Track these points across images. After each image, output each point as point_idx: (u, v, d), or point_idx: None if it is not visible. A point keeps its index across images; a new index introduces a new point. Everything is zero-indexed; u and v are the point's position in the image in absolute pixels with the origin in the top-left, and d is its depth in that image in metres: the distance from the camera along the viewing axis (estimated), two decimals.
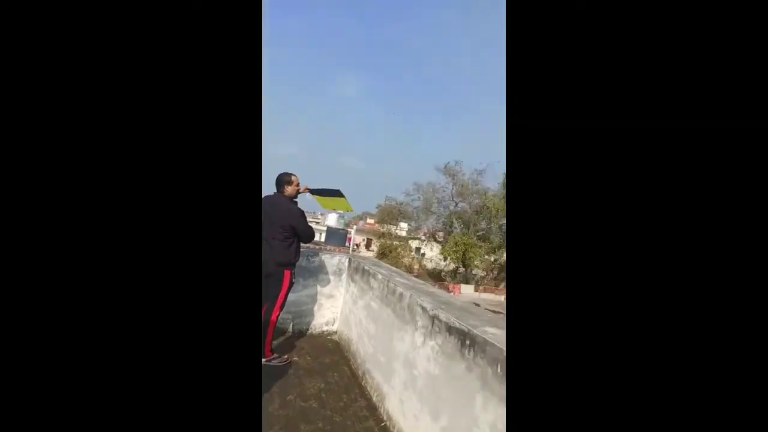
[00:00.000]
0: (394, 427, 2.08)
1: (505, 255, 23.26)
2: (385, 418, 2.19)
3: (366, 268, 3.21)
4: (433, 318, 1.96)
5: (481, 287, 22.24)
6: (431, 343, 1.93)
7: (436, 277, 22.97)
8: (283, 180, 2.62)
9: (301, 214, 2.64)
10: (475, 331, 1.63)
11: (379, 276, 2.77)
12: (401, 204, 24.64)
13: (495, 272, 23.87)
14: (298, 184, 2.63)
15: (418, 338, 2.06)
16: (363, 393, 2.47)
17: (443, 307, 2.00)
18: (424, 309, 2.06)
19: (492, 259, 23.43)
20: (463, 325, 1.72)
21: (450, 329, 1.80)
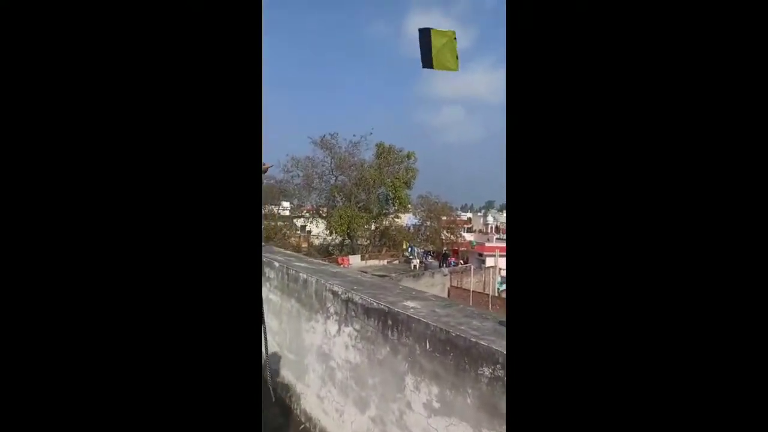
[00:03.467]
0: (315, 428, 1.89)
1: (384, 222, 24.64)
2: (303, 420, 1.97)
3: None
4: (347, 302, 1.79)
5: (366, 255, 23.18)
6: (347, 329, 1.76)
7: (324, 252, 22.93)
8: None
9: None
10: (396, 309, 1.52)
11: (276, 264, 2.44)
12: (281, 182, 23.39)
13: (377, 239, 25.15)
14: None
15: (332, 326, 1.86)
16: (273, 397, 2.19)
17: (355, 287, 1.83)
18: (335, 294, 1.86)
19: (373, 227, 24.52)
20: (382, 305, 1.59)
21: (368, 311, 1.66)
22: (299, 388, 2.07)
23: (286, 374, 2.20)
